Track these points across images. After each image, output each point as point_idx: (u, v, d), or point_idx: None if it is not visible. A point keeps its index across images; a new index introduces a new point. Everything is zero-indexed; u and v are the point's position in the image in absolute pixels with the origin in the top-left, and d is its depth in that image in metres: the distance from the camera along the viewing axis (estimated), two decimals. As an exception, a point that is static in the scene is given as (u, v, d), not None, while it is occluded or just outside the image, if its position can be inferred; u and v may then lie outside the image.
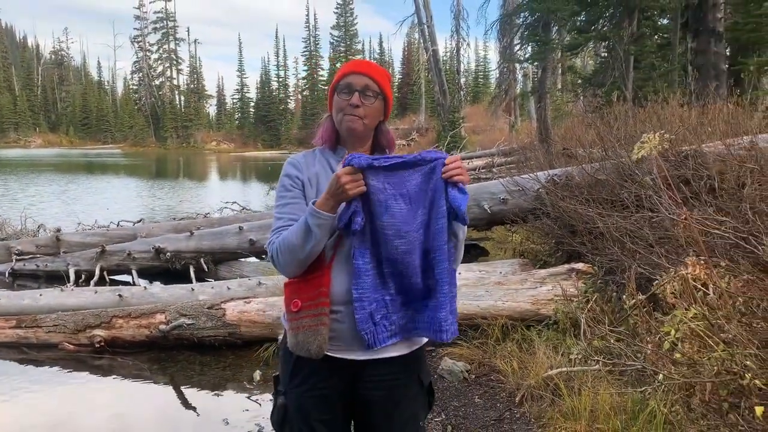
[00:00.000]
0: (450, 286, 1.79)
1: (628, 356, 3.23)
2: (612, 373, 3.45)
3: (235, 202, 12.77)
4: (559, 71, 22.28)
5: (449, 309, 1.79)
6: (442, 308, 1.78)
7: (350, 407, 1.90)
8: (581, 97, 16.32)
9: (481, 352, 4.40)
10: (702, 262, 2.86)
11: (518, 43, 18.69)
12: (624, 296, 3.37)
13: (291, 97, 73.05)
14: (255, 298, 5.30)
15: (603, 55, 16.26)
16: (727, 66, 13.11)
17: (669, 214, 3.70)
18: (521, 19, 16.93)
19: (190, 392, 4.55)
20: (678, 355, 2.74)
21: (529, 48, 17.43)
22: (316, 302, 1.74)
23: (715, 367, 2.59)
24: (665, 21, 14.99)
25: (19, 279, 8.07)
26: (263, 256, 8.00)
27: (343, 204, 1.69)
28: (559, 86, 24.94)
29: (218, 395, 4.50)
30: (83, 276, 7.78)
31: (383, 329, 1.76)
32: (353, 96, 1.83)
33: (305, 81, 68.14)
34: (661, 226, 4.07)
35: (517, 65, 26.52)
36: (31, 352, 5.23)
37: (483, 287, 5.06)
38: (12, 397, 4.55)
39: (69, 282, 7.50)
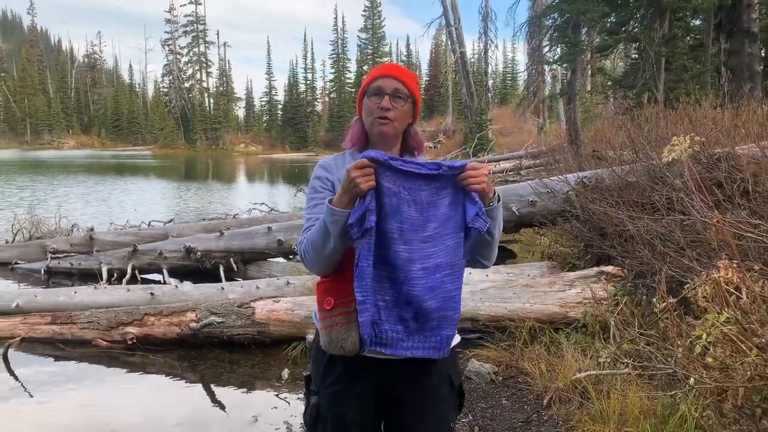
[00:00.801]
0: (457, 302, 1.77)
1: (658, 360, 3.20)
2: (641, 377, 3.42)
3: (263, 203, 12.90)
4: (589, 73, 22.08)
5: (454, 325, 1.78)
6: (449, 326, 1.77)
7: (381, 407, 1.90)
8: (611, 99, 16.16)
9: (508, 354, 4.39)
10: (735, 265, 2.82)
11: (547, 45, 18.56)
12: (654, 299, 3.33)
13: (318, 100, 73.57)
14: (283, 297, 5.35)
15: (633, 56, 16.07)
16: (762, 67, 12.88)
17: (701, 216, 3.66)
18: (550, 21, 16.81)
19: (219, 390, 4.62)
20: (710, 360, 2.70)
21: (559, 49, 17.30)
22: (348, 300, 1.75)
23: (748, 372, 2.55)
24: (698, 22, 14.75)
25: (53, 277, 8.27)
26: (291, 256, 8.08)
27: (358, 200, 1.66)
28: (589, 88, 24.70)
29: (247, 393, 4.56)
30: (115, 274, 7.94)
31: (374, 335, 1.73)
32: (383, 99, 1.86)
33: (332, 83, 68.51)
34: (693, 229, 4.02)
35: (546, 67, 26.35)
36: (66, 348, 5.35)
37: (511, 289, 5.05)
38: (46, 392, 4.66)
39: (102, 280, 7.66)
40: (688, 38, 14.67)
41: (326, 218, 1.68)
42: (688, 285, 3.09)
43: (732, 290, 2.79)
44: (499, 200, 1.78)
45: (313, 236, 1.75)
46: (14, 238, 9.77)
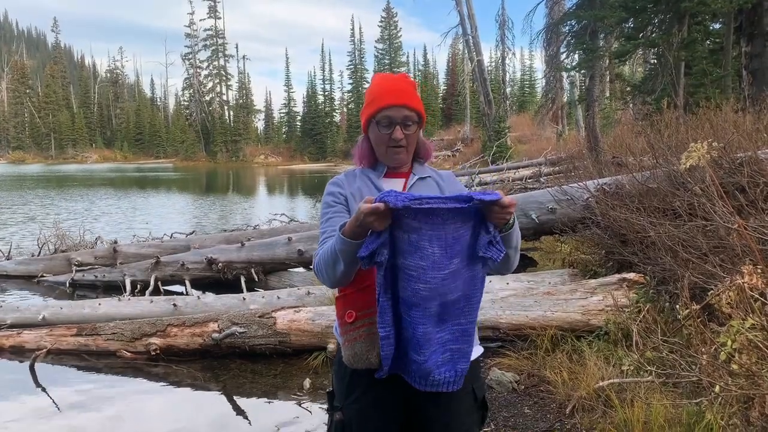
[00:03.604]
0: (470, 335, 1.74)
1: (682, 367, 3.17)
2: (666, 385, 3.38)
3: (283, 214, 12.98)
4: (608, 79, 21.95)
5: (468, 359, 1.75)
6: (463, 360, 1.74)
7: (406, 421, 1.90)
8: (630, 105, 16.04)
9: (530, 363, 4.36)
10: (759, 270, 2.79)
11: (565, 51, 18.51)
12: (677, 306, 3.30)
13: (336, 111, 73.89)
14: (304, 307, 5.38)
15: (652, 61, 15.95)
16: (784, 70, 12.70)
17: (723, 222, 3.62)
18: (567, 28, 16.76)
19: (241, 400, 4.65)
20: (735, 367, 2.67)
21: (576, 56, 17.24)
22: (371, 311, 1.73)
23: (775, 379, 2.52)
24: (717, 25, 14.61)
25: (78, 289, 8.39)
26: (311, 266, 8.09)
27: (372, 233, 1.58)
28: (608, 94, 24.55)
29: (269, 403, 4.58)
30: (138, 286, 8.03)
31: (397, 368, 1.73)
32: (395, 130, 1.88)
33: (350, 94, 68.88)
34: (716, 235, 3.97)
35: (564, 74, 26.26)
36: (91, 360, 5.42)
37: (532, 297, 5.03)
38: (72, 403, 4.72)
39: (125, 292, 7.76)
40: (707, 42, 14.53)
41: (336, 245, 1.66)
42: (711, 291, 3.06)
43: (757, 296, 2.76)
44: (514, 221, 1.70)
45: (325, 256, 1.74)
46: (40, 252, 9.93)
